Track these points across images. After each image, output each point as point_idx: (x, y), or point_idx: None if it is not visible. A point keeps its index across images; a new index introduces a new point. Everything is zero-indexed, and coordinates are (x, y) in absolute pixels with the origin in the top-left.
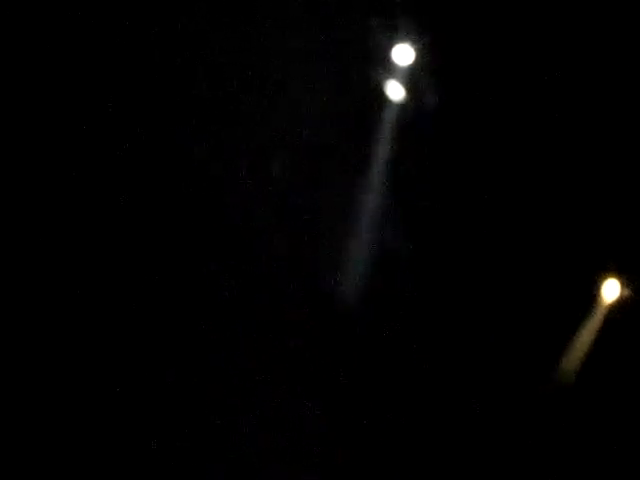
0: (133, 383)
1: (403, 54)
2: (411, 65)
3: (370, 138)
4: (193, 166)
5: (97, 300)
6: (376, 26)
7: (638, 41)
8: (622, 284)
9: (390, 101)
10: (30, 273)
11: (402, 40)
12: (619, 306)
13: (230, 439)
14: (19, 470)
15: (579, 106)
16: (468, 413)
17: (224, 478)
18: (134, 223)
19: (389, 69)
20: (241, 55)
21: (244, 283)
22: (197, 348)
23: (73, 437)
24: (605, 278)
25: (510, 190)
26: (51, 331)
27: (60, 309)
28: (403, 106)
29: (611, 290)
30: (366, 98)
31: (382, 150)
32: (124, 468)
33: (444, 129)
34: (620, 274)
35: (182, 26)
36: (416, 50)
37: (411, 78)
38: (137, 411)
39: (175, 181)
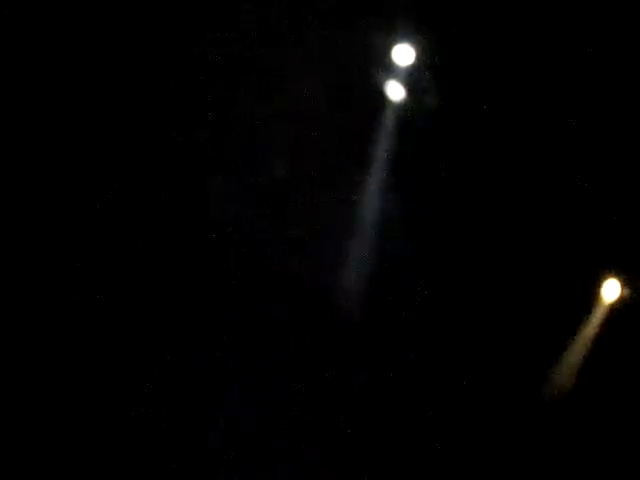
0: (129, 376)
1: (403, 54)
2: (411, 65)
3: (370, 138)
4: (193, 166)
5: (97, 299)
6: (376, 26)
7: (638, 41)
8: (622, 284)
9: (390, 101)
10: (27, 273)
11: (402, 40)
12: (619, 306)
13: (229, 439)
14: (19, 470)
15: (579, 106)
16: (468, 413)
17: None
18: (134, 222)
19: (389, 69)
20: (241, 55)
21: (243, 283)
22: (197, 347)
23: (67, 436)
24: (605, 278)
25: (510, 190)
26: (45, 330)
27: (59, 309)
28: (403, 106)
29: (611, 290)
30: (366, 98)
31: (382, 150)
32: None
33: (444, 129)
34: (620, 274)
35: (181, 25)
36: (416, 50)
37: (411, 78)
38: (135, 408)
39: (175, 181)
